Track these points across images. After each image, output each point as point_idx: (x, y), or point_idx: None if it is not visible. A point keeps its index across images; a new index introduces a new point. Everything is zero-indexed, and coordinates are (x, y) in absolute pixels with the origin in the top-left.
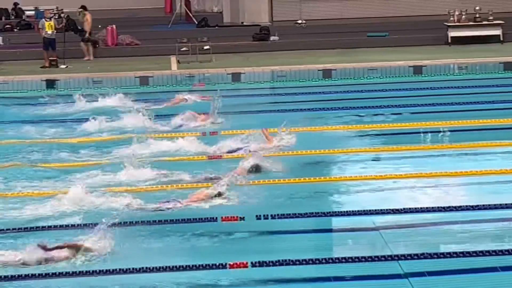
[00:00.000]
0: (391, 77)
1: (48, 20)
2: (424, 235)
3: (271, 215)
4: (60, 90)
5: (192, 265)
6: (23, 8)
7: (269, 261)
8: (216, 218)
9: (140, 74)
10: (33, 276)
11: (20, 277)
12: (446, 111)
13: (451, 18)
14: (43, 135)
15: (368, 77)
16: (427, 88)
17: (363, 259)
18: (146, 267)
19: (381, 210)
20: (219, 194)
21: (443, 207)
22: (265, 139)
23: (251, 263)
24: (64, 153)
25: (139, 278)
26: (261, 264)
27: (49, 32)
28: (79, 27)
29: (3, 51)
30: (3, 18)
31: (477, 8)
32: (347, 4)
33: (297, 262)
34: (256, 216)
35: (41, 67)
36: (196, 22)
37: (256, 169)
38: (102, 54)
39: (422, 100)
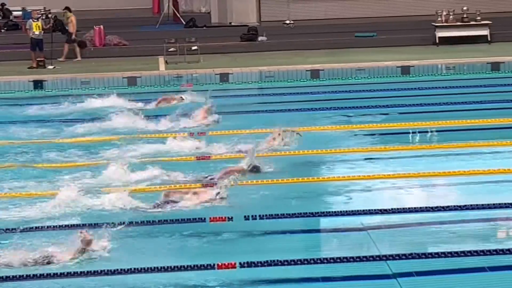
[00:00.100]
0: (379, 77)
1: (35, 20)
2: (412, 235)
3: (260, 216)
4: (48, 91)
5: (180, 266)
6: (10, 8)
7: (257, 262)
8: (204, 218)
9: (128, 74)
10: (27, 277)
11: (15, 278)
12: (434, 111)
13: (439, 19)
14: (31, 135)
15: (356, 78)
16: (415, 88)
17: (352, 259)
18: (134, 268)
19: (369, 210)
20: (221, 198)
21: (431, 207)
22: (270, 139)
23: (240, 263)
24: (52, 154)
25: (127, 278)
26: (250, 264)
27: (37, 32)
28: (66, 28)
29: None
30: None
31: (465, 8)
32: (335, 4)
33: (286, 263)
34: (245, 216)
35: (28, 68)
36: (184, 23)
37: (256, 169)
38: (90, 55)
39: (410, 100)
